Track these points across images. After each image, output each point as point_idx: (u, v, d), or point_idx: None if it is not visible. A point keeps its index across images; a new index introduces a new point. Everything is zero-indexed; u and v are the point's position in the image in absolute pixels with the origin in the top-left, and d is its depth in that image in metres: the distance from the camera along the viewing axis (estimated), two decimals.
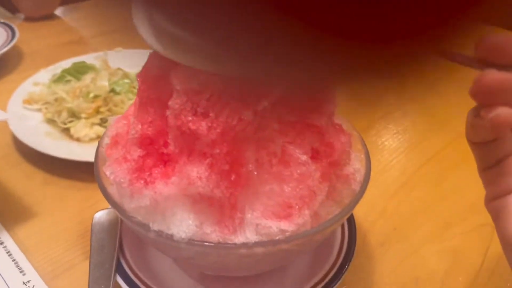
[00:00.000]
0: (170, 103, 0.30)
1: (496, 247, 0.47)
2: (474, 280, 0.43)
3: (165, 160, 0.33)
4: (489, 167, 0.31)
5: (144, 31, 0.30)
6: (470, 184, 0.54)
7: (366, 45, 0.12)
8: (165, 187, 0.31)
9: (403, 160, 0.60)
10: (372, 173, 0.37)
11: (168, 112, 0.30)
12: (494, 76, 0.26)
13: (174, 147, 0.31)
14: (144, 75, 0.33)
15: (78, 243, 0.45)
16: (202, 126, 0.29)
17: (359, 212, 0.49)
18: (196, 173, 0.30)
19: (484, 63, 0.27)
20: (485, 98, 0.28)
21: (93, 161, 0.35)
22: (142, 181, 0.32)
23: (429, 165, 0.59)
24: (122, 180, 0.32)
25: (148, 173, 0.32)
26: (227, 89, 0.30)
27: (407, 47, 0.13)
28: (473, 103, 0.29)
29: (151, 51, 0.33)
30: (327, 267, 0.39)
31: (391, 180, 0.56)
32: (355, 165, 0.38)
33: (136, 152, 0.32)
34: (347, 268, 0.39)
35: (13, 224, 0.47)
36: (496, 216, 0.30)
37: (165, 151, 0.32)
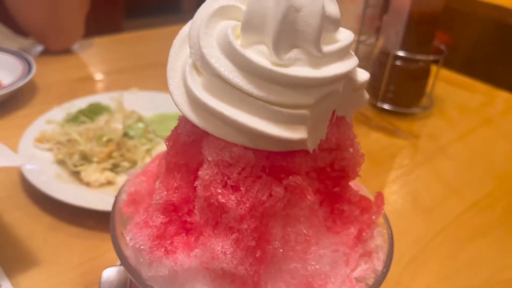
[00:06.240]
0: (200, 173, 0.29)
1: None
2: None
3: (188, 229, 0.32)
4: None
5: (179, 98, 0.30)
6: (485, 259, 0.52)
7: None
8: (186, 259, 0.30)
9: (416, 228, 0.59)
10: None
11: (197, 182, 0.30)
12: None
13: (200, 218, 0.30)
14: (173, 140, 0.32)
15: None
16: (231, 199, 0.29)
17: None
18: (221, 248, 0.29)
19: None
20: None
21: (101, 209, 0.34)
22: (163, 250, 0.31)
23: (443, 235, 0.58)
24: (142, 247, 0.31)
25: (169, 241, 0.31)
26: (258, 164, 0.29)
27: None
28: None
29: (180, 114, 0.32)
30: None
31: (405, 249, 0.54)
32: (377, 241, 0.37)
33: (159, 219, 0.31)
34: None
35: (15, 271, 0.46)
36: None
37: (188, 219, 0.31)
